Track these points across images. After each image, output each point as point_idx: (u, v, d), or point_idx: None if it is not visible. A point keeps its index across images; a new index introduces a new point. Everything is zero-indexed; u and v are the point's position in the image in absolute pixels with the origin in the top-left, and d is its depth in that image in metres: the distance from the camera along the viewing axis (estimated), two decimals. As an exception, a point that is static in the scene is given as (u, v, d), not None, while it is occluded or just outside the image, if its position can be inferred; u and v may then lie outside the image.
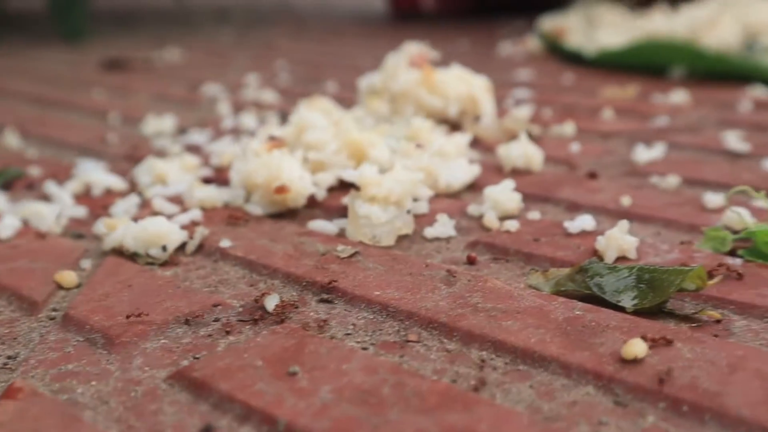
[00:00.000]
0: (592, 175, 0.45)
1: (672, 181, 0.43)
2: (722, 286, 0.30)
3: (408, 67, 0.56)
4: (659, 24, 0.81)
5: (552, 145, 0.51)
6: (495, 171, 0.46)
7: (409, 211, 0.38)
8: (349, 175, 0.40)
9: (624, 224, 0.33)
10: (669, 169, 0.45)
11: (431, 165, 0.42)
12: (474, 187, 0.43)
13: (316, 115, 0.47)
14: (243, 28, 1.33)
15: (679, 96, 0.62)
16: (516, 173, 0.45)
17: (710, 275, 0.30)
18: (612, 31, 0.88)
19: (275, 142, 0.44)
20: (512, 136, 0.51)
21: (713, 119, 0.56)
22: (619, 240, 0.33)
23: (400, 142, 0.45)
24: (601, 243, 0.33)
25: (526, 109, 0.56)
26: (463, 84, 0.55)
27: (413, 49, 0.58)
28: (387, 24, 1.33)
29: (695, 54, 0.69)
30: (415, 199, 0.41)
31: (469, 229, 0.38)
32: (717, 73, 0.68)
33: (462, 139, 0.47)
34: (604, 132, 0.54)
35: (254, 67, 0.89)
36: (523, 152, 0.45)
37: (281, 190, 0.40)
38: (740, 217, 0.35)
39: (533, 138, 0.52)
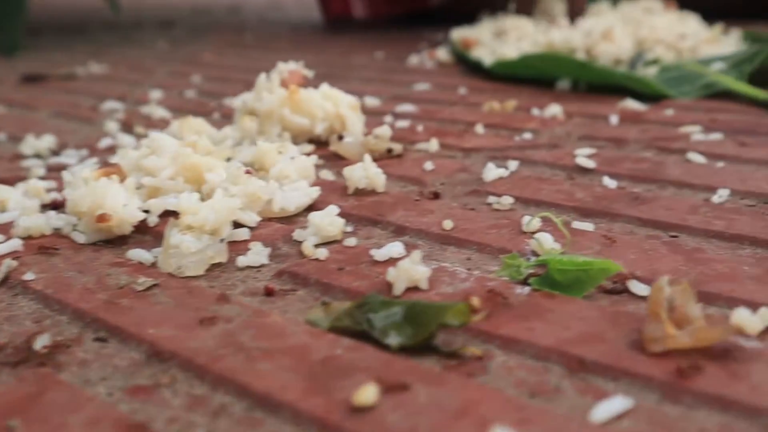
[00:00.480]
0: (435, 195, 0.44)
1: (506, 201, 0.42)
2: (494, 318, 0.29)
3: (280, 85, 0.55)
4: (559, 36, 0.81)
5: (409, 164, 0.50)
6: (342, 192, 0.45)
7: (223, 240, 0.37)
8: (170, 203, 0.39)
9: (417, 254, 0.32)
10: (509, 188, 0.44)
11: (261, 190, 0.41)
12: (314, 209, 0.42)
13: (166, 137, 0.45)
14: (178, 40, 1.31)
15: (553, 110, 0.61)
16: (359, 194, 0.44)
17: (483, 307, 0.29)
18: (517, 43, 0.87)
19: (107, 168, 0.42)
20: (376, 154, 0.50)
21: (577, 134, 0.56)
22: (410, 271, 0.32)
23: (239, 168, 0.44)
24: (391, 274, 0.32)
25: (399, 124, 0.55)
26: (329, 102, 0.54)
27: (286, 67, 0.57)
28: (319, 33, 1.32)
29: (580, 66, 0.68)
30: (239, 225, 0.39)
31: (287, 256, 0.37)
32: (601, 85, 0.67)
33: (307, 161, 0.46)
34: (466, 149, 0.53)
35: (168, 82, 0.88)
36: (365, 173, 0.44)
37: (102, 218, 0.38)
38: (540, 243, 0.34)
39: (394, 155, 0.51)
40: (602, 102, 0.64)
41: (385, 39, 1.18)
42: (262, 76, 0.55)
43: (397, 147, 0.52)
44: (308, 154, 0.51)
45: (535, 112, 0.62)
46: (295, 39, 1.25)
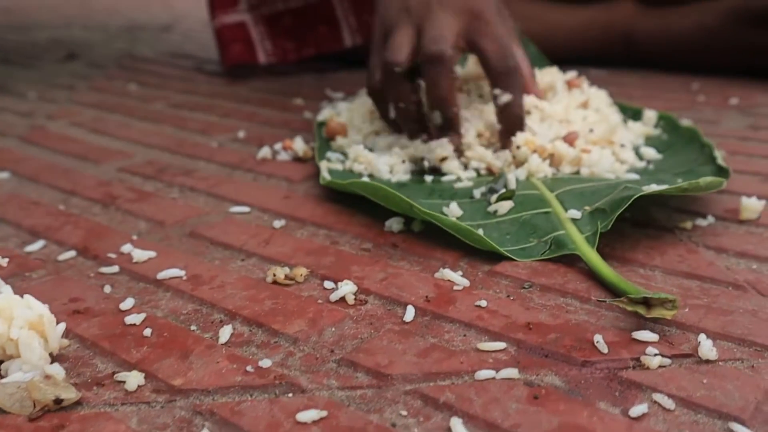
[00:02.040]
0: None
1: None
2: None
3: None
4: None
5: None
6: None
7: None
8: None
9: None
10: None
11: None
12: None
13: None
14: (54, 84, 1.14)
15: (347, 288, 0.45)
16: None
17: None
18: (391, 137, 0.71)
19: None
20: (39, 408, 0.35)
21: (339, 354, 0.40)
22: None
23: None
24: None
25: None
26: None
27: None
28: (209, 84, 1.15)
29: (407, 204, 0.52)
30: None
31: None
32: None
33: None
34: (175, 390, 0.38)
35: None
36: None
37: None
38: None
39: (62, 407, 0.35)
40: (426, 263, 0.49)
41: (274, 100, 1.01)
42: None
43: (71, 395, 0.36)
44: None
45: (328, 285, 0.47)
46: (169, 97, 1.08)
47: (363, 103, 0.80)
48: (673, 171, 0.62)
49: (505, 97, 0.64)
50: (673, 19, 1.10)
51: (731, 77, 1.03)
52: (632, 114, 0.81)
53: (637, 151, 0.69)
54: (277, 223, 0.57)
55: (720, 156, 0.61)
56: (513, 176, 0.59)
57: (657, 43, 1.11)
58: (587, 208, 0.52)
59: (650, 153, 0.68)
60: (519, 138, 0.64)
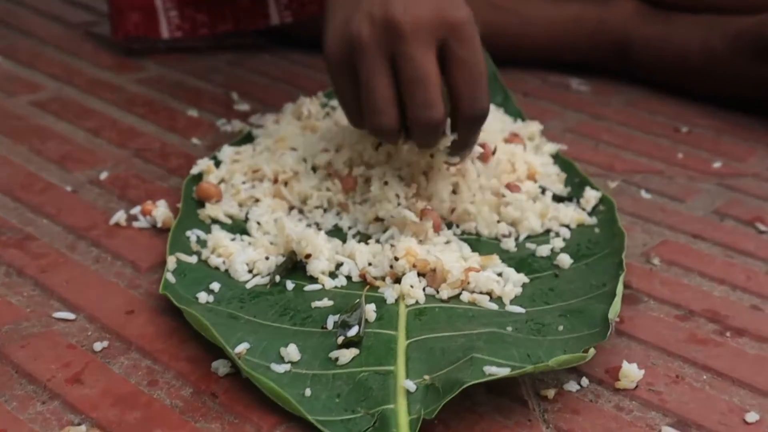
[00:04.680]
0: None
1: None
2: None
3: None
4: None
5: None
6: None
7: None
8: None
9: None
10: None
11: None
12: None
13: None
14: None
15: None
16: None
17: None
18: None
19: None
20: None
21: None
22: None
23: None
24: None
25: None
26: None
27: None
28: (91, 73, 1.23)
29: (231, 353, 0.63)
30: None
31: None
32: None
33: None
34: None
35: None
36: None
37: None
38: None
39: None
40: (240, 428, 0.60)
41: (164, 107, 1.10)
42: None
43: None
44: None
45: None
46: (37, 85, 1.16)
47: (265, 144, 0.91)
48: (564, 301, 0.73)
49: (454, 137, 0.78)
50: (676, 29, 1.17)
51: (728, 120, 1.12)
52: (578, 184, 0.91)
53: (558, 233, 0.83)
54: (99, 345, 0.68)
55: (613, 310, 0.69)
56: (372, 307, 0.69)
57: (655, 55, 1.19)
58: (426, 378, 0.63)
59: (564, 260, 0.78)
60: (399, 247, 0.75)
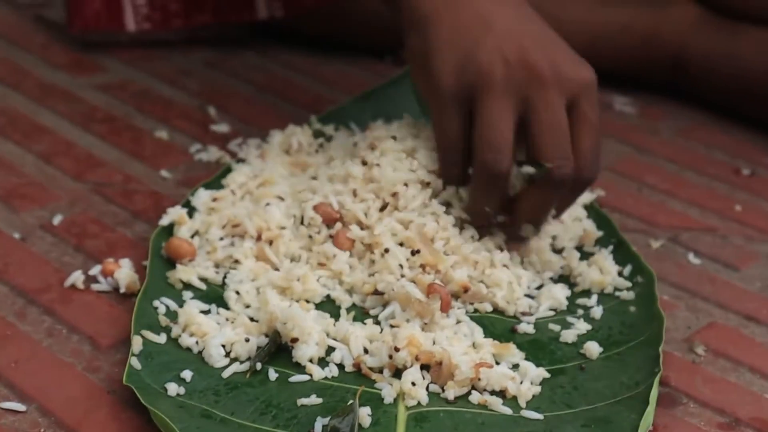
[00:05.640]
0: None
1: None
2: None
3: None
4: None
5: None
6: None
7: None
8: None
9: None
10: None
11: None
12: None
13: None
14: None
15: None
16: None
17: None
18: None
19: None
20: None
21: None
22: None
23: None
24: None
25: None
26: None
27: None
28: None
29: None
30: None
31: None
32: None
33: None
34: None
35: None
36: None
37: None
38: None
39: None
40: None
41: (128, 125, 1.14)
42: None
43: None
44: None
45: None
46: None
47: (248, 186, 0.96)
48: (589, 404, 0.78)
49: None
50: (744, 43, 1.21)
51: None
52: (615, 244, 0.97)
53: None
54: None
55: (644, 424, 0.74)
56: (367, 410, 0.75)
57: (716, 72, 1.23)
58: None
59: (593, 349, 0.84)
60: (401, 335, 0.80)
